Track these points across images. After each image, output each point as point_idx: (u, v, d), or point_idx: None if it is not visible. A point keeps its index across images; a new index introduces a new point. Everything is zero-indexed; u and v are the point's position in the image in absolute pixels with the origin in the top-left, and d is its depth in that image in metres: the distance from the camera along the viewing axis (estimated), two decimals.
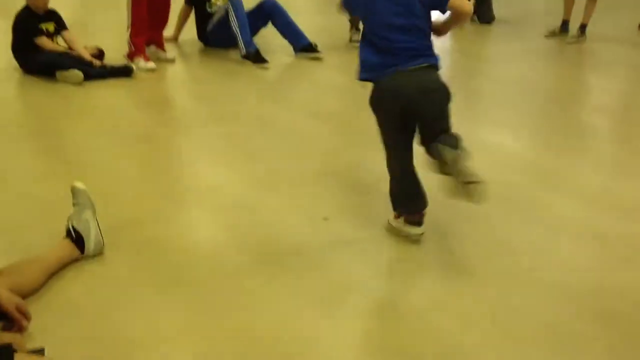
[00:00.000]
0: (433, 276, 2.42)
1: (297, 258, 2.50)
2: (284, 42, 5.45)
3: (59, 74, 4.52)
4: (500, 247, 2.63)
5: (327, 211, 2.87)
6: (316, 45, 5.37)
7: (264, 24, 5.49)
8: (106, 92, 4.45)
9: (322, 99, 4.49)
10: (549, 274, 2.43)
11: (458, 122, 4.07)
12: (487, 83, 4.96)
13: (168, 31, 5.39)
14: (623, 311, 2.21)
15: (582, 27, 6.11)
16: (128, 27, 4.91)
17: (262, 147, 3.62)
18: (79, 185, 2.46)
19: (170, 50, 5.25)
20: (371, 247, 2.60)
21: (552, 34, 6.23)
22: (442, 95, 2.44)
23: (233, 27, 5.14)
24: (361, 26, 5.97)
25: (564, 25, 6.22)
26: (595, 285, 2.36)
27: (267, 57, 5.11)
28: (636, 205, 3.02)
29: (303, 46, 5.37)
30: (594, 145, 3.86)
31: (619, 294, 2.31)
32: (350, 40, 5.74)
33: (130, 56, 4.92)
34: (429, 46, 2.45)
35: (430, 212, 2.65)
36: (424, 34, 2.44)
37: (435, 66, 2.46)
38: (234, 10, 5.16)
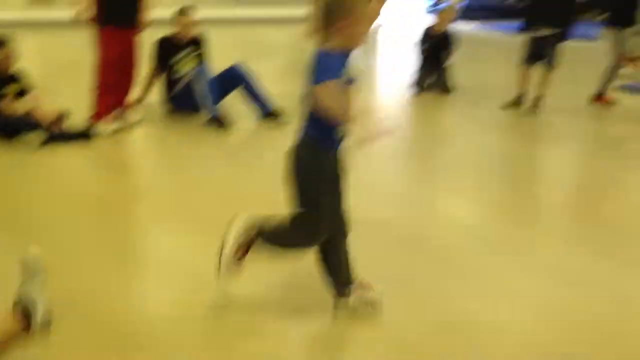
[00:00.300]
0: (388, 350, 2.41)
1: (252, 328, 2.48)
2: (251, 107, 5.52)
3: (18, 137, 4.49)
4: (456, 316, 2.64)
5: (284, 278, 2.87)
6: (282, 111, 5.45)
7: (231, 89, 5.56)
8: (65, 156, 4.43)
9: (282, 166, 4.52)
10: (504, 344, 2.45)
11: (417, 189, 4.16)
12: (446, 152, 5.07)
13: (134, 94, 5.42)
14: None
15: (537, 99, 6.32)
16: (93, 89, 4.93)
17: (222, 214, 3.60)
18: (30, 253, 2.41)
19: (135, 114, 5.27)
20: (324, 317, 2.59)
21: (508, 106, 6.43)
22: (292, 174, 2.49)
23: (199, 92, 5.20)
24: None
25: (520, 97, 6.43)
26: (548, 356, 2.39)
27: (232, 122, 5.16)
28: (585, 277, 3.08)
29: (269, 111, 5.44)
30: (548, 216, 3.95)
31: None
32: None
33: (94, 118, 4.92)
34: (310, 120, 2.43)
35: (383, 286, 2.67)
36: (309, 108, 2.42)
37: (306, 141, 2.45)
38: (201, 75, 5.23)
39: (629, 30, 6.45)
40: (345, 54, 2.38)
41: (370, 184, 4.26)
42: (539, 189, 4.47)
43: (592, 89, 7.86)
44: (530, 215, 3.92)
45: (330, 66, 2.31)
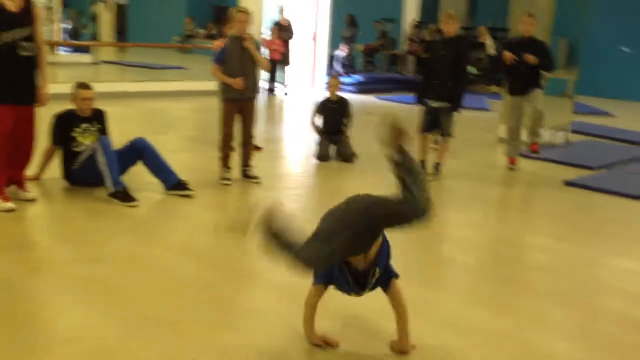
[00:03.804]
0: None
1: None
2: (154, 180, 5.45)
3: None
4: None
5: (197, 351, 2.79)
6: (187, 183, 5.41)
7: (134, 162, 5.49)
8: None
9: (194, 237, 4.47)
10: None
11: None
12: None
13: (31, 170, 5.24)
14: None
15: (437, 166, 6.60)
16: None
17: (130, 288, 3.51)
18: None
19: (32, 190, 5.08)
20: None
21: None
22: None
23: (100, 166, 5.08)
24: (231, 164, 6.10)
25: (421, 164, 6.68)
26: None
27: (136, 196, 5.06)
28: (488, 332, 3.18)
29: (174, 184, 5.39)
30: (455, 276, 4.07)
31: None
32: (221, 179, 5.83)
33: None
34: None
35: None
36: None
37: None
38: (102, 149, 5.13)
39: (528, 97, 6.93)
40: None
41: None
42: (442, 251, 4.61)
43: (487, 154, 8.32)
44: (436, 276, 4.04)
45: None
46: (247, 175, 5.98)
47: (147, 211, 5.05)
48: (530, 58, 6.75)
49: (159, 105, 10.97)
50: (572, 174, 7.06)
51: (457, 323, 3.27)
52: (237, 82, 5.65)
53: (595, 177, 6.99)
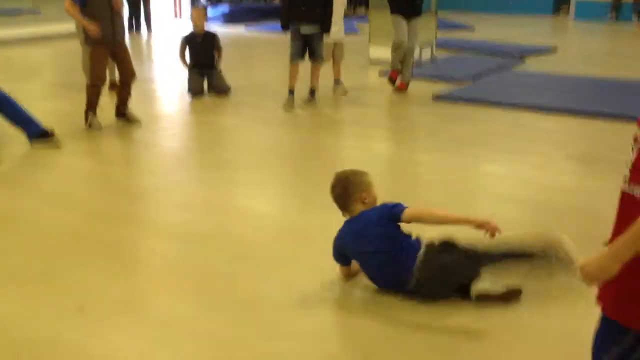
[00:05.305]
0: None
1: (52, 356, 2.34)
2: (17, 132, 5.13)
3: None
4: (246, 304, 2.72)
5: (82, 300, 2.73)
6: (52, 131, 5.14)
7: None
8: None
9: (69, 186, 4.29)
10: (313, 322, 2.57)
11: (209, 190, 4.17)
12: (233, 150, 5.12)
13: None
14: None
15: (312, 91, 6.63)
16: None
17: (5, 246, 3.34)
18: None
19: None
20: (134, 329, 2.52)
21: (287, 105, 6.59)
22: None
23: None
24: (99, 111, 5.80)
25: (290, 92, 6.60)
26: None
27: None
28: None
29: (37, 133, 5.10)
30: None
31: None
32: (89, 126, 5.57)
33: None
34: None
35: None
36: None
37: None
38: None
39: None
40: None
41: (165, 188, 4.19)
42: (324, 175, 4.69)
43: (359, 77, 8.46)
44: (321, 200, 4.11)
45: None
46: (124, 115, 5.77)
47: (14, 165, 4.78)
48: None
49: (14, 52, 10.23)
50: (441, 88, 7.33)
51: None
52: (94, 30, 5.32)
53: (461, 90, 7.31)
